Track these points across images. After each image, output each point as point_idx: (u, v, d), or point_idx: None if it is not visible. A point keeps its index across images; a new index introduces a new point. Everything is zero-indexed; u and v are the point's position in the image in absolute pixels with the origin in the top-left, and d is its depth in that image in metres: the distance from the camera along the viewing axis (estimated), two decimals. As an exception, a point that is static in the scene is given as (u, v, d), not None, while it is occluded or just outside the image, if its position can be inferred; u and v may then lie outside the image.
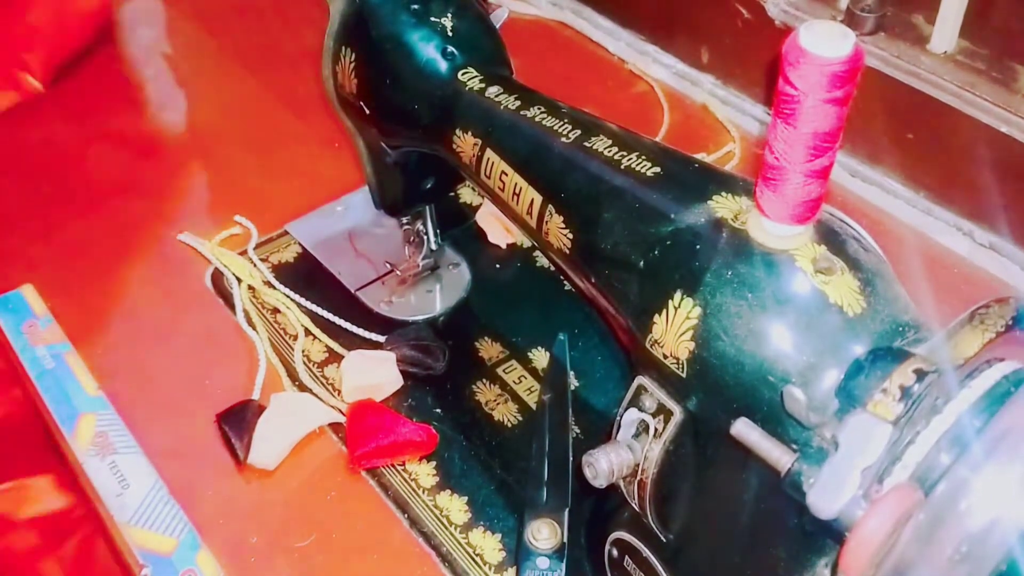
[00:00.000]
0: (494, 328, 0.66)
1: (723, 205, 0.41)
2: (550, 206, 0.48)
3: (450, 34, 0.56)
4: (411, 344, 0.62)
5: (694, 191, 0.42)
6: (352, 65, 0.58)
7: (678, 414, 0.41)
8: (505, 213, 0.54)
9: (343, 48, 0.59)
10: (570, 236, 0.47)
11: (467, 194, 0.75)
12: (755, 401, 0.37)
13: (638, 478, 0.43)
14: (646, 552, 0.46)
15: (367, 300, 0.68)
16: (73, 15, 0.88)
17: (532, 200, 0.50)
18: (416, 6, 0.56)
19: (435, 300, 0.68)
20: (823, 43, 0.32)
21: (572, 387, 0.62)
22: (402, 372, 0.62)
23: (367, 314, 0.67)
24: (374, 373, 0.61)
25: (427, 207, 0.67)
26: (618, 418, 0.44)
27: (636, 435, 0.43)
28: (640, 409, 0.42)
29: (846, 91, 0.33)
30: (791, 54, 0.33)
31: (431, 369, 0.62)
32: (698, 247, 0.40)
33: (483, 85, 0.54)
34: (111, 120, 0.85)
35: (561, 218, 0.48)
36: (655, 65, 0.88)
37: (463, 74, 0.55)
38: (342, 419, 0.60)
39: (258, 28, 0.94)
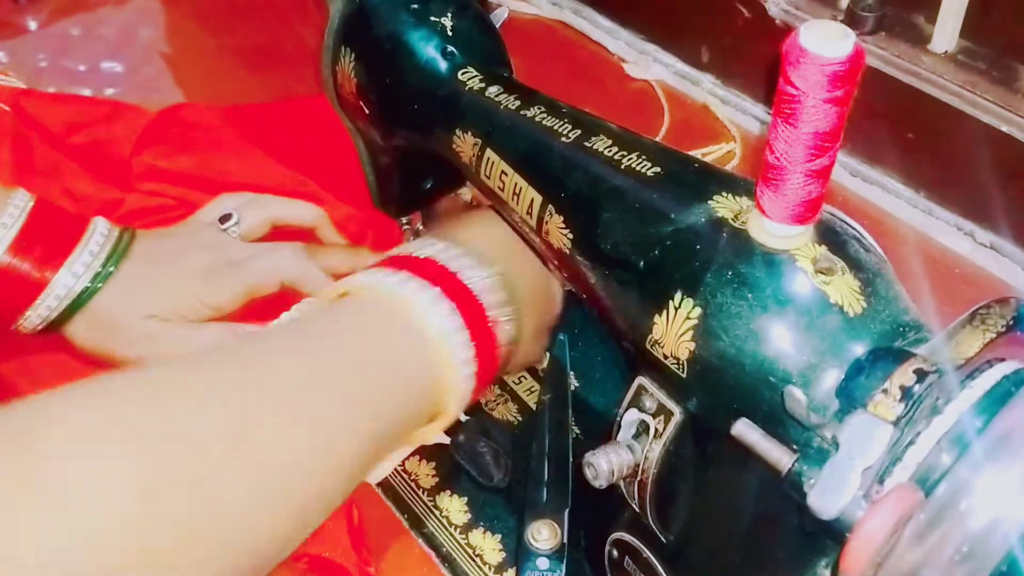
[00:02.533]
0: (494, 328, 0.66)
1: (723, 205, 0.41)
2: (550, 206, 0.48)
3: (450, 34, 0.56)
4: (480, 443, 0.57)
5: (694, 191, 0.42)
6: (352, 65, 0.58)
7: (678, 414, 0.41)
8: (505, 213, 0.54)
9: (343, 48, 0.59)
10: (570, 236, 0.47)
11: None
12: (755, 401, 0.37)
13: (638, 478, 0.43)
14: (646, 552, 0.46)
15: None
16: None
17: (532, 200, 0.50)
18: (416, 6, 0.56)
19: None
20: (823, 43, 0.32)
21: (572, 387, 0.62)
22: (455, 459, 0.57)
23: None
24: None
25: (428, 208, 0.67)
26: (618, 418, 0.43)
27: (636, 435, 0.43)
28: (640, 409, 0.42)
29: (846, 91, 0.33)
30: (791, 54, 0.33)
31: (491, 479, 0.56)
32: (698, 247, 0.40)
33: (483, 85, 0.54)
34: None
35: (561, 218, 0.48)
36: (655, 64, 0.88)
37: (463, 74, 0.55)
38: (446, 440, 0.56)
39: (258, 28, 0.94)
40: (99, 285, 0.57)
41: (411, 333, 0.45)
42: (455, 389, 0.46)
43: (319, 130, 0.72)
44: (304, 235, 0.66)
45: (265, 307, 0.61)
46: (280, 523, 0.38)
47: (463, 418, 0.59)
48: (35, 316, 0.57)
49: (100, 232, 0.58)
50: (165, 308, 0.59)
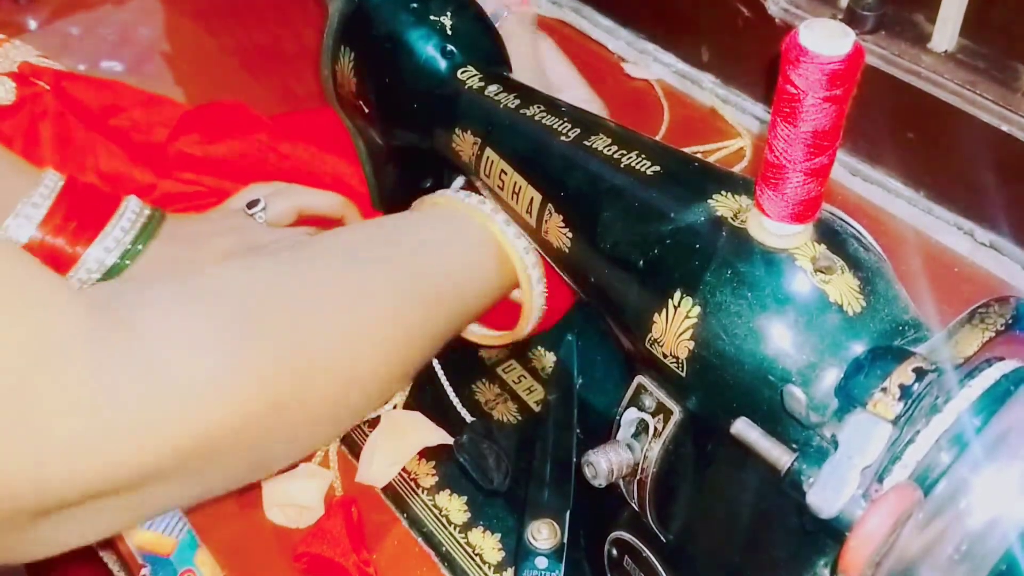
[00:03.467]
0: (494, 327, 0.66)
1: (723, 204, 0.41)
2: (549, 205, 0.48)
3: (449, 33, 0.56)
4: (484, 445, 0.57)
5: (694, 190, 0.42)
6: (351, 64, 0.58)
7: (677, 413, 0.41)
8: (505, 211, 0.54)
9: (342, 47, 0.59)
10: (569, 235, 0.47)
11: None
12: (755, 400, 0.37)
13: (638, 477, 0.43)
14: (646, 552, 0.46)
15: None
16: None
17: (531, 199, 0.50)
18: (415, 5, 0.56)
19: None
20: (823, 42, 0.32)
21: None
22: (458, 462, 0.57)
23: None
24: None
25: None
26: (618, 417, 0.43)
27: (636, 434, 0.43)
28: (640, 408, 0.42)
29: (846, 90, 0.33)
30: (791, 53, 0.33)
31: (491, 482, 0.56)
32: (698, 246, 0.40)
33: (482, 84, 0.54)
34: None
35: (560, 217, 0.48)
36: (655, 64, 0.88)
37: (462, 73, 0.55)
38: (450, 440, 0.58)
39: (258, 28, 0.94)
40: (127, 263, 0.57)
41: (479, 227, 0.54)
42: (524, 271, 0.54)
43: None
44: (331, 223, 0.67)
45: None
46: (352, 390, 0.44)
47: (468, 419, 0.59)
48: None
49: (132, 210, 0.58)
50: None
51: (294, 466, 0.57)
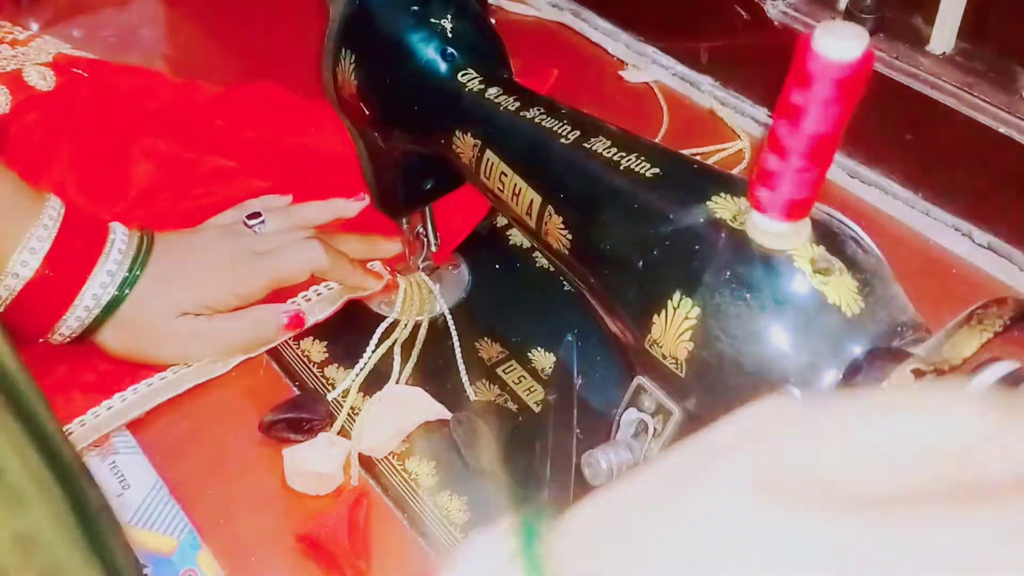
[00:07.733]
0: (494, 328, 0.66)
1: (722, 206, 0.41)
2: (549, 207, 0.49)
3: (450, 35, 0.56)
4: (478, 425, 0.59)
5: (693, 192, 0.43)
6: (352, 66, 0.58)
7: (677, 414, 0.41)
8: (505, 213, 0.54)
9: (343, 49, 0.59)
10: (569, 236, 0.47)
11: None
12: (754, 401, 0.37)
13: (637, 478, 0.43)
14: (645, 552, 0.46)
15: (366, 300, 0.68)
16: None
17: (531, 201, 0.50)
18: (416, 7, 0.56)
19: (435, 300, 0.68)
20: (835, 45, 0.32)
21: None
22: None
23: (367, 314, 0.67)
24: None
25: (427, 208, 0.67)
26: (617, 418, 0.44)
27: (635, 435, 0.43)
28: (639, 409, 0.42)
29: (854, 94, 0.33)
30: (802, 55, 0.33)
31: (477, 461, 0.57)
32: (697, 247, 0.40)
33: (483, 86, 0.54)
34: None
35: (560, 219, 0.48)
36: (654, 66, 0.88)
37: (463, 75, 0.55)
38: (448, 415, 0.59)
39: (259, 30, 0.94)
40: (127, 292, 0.57)
41: None
42: None
43: None
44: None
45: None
46: None
47: (472, 396, 0.59)
48: (65, 328, 0.57)
49: (121, 238, 0.58)
50: (195, 303, 0.60)
51: (315, 435, 0.58)
